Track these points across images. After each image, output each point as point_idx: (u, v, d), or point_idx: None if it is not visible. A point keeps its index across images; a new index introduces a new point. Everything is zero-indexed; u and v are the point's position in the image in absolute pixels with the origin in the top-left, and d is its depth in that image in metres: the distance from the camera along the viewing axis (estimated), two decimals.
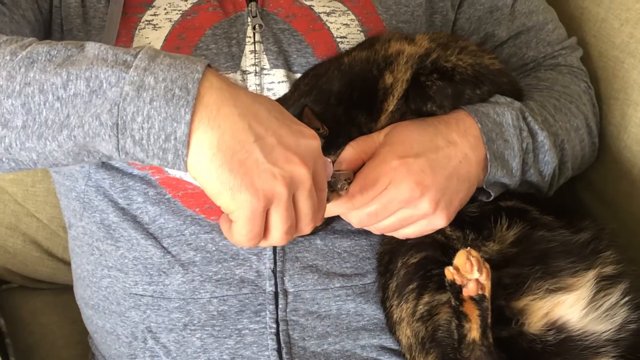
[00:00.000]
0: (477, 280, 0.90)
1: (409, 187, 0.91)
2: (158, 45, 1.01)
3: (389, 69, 0.98)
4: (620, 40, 1.21)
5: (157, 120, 0.73)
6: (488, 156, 0.96)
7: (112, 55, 0.76)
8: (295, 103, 0.98)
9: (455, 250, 0.91)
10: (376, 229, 0.96)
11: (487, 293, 0.91)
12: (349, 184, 0.92)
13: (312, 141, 0.80)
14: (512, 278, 0.96)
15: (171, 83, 0.73)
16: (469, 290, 0.90)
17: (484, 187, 0.99)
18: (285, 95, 1.02)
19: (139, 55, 0.76)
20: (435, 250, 0.99)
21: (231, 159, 0.74)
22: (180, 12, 1.03)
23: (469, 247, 0.90)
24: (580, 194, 1.24)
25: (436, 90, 0.96)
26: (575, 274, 0.96)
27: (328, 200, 0.87)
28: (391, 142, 0.93)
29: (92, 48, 0.77)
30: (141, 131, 0.73)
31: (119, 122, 0.74)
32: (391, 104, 0.97)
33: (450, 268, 0.90)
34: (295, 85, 1.03)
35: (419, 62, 0.98)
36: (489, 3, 1.17)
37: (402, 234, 0.96)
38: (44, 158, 0.78)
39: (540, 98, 1.09)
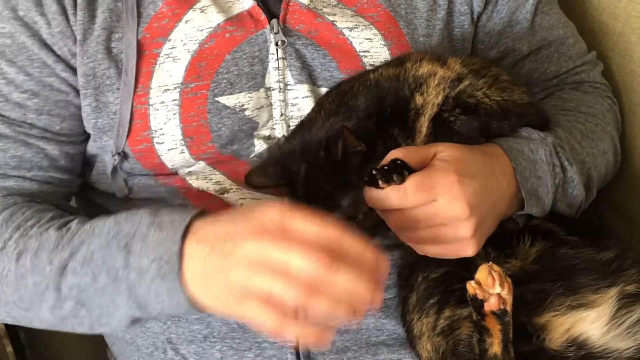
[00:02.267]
0: (498, 294, 0.90)
1: (461, 206, 0.89)
2: (179, 76, 1.02)
3: (419, 91, 0.97)
4: (637, 55, 1.21)
5: (165, 295, 0.86)
6: (523, 194, 0.96)
7: (116, 242, 0.89)
8: (324, 124, 0.97)
9: (476, 267, 0.91)
10: (407, 236, 0.94)
11: (509, 308, 0.90)
12: (404, 178, 0.89)
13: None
14: (534, 294, 0.95)
15: (160, 261, 0.85)
16: (491, 304, 0.90)
17: (513, 217, 0.99)
18: (310, 117, 1.02)
19: (135, 238, 0.88)
20: (456, 266, 0.98)
21: (219, 299, 0.84)
22: (198, 41, 1.03)
23: (490, 262, 0.90)
24: (600, 209, 1.24)
25: (461, 125, 0.96)
26: (598, 291, 0.96)
27: (379, 187, 0.88)
28: (448, 159, 0.91)
29: (98, 237, 0.91)
30: (160, 305, 0.87)
31: (141, 302, 0.88)
32: (424, 126, 0.97)
33: (472, 282, 0.90)
34: (319, 105, 1.02)
35: (451, 87, 0.97)
36: (508, 17, 1.16)
37: (426, 250, 0.94)
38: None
39: (567, 124, 1.09)
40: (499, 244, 0.98)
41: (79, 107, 1.04)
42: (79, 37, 1.01)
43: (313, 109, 1.03)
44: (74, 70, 1.02)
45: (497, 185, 0.94)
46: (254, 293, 0.80)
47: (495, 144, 0.98)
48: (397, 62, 1.03)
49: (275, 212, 0.81)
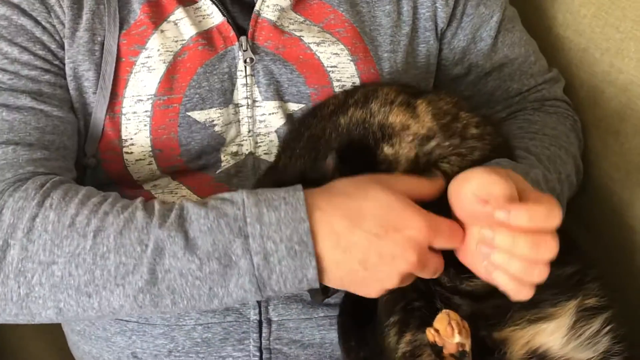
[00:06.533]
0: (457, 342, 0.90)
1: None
2: (153, 87, 1.02)
3: (389, 142, 0.95)
4: (600, 70, 1.23)
5: (290, 273, 0.84)
6: None
7: (224, 225, 0.85)
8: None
9: (438, 284, 0.93)
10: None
11: (468, 348, 0.90)
12: None
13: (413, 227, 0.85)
14: (494, 309, 0.96)
15: (289, 242, 0.84)
16: (450, 349, 0.90)
17: None
18: (281, 162, 0.99)
19: (248, 220, 0.85)
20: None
21: (356, 274, 0.86)
22: (172, 53, 1.03)
23: (448, 310, 0.90)
24: (565, 222, 1.25)
25: None
26: (557, 304, 0.96)
27: None
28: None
29: (196, 221, 0.86)
30: (279, 284, 0.85)
31: (260, 285, 0.85)
32: None
33: (432, 330, 0.90)
34: (289, 149, 0.99)
35: (420, 144, 0.95)
36: (472, 34, 1.18)
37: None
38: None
39: (535, 149, 1.09)
40: (460, 263, 0.98)
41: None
42: (67, 35, 1.01)
43: (282, 153, 1.01)
44: (61, 60, 1.01)
45: None
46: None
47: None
48: (363, 98, 0.99)
49: (421, 227, 0.86)
